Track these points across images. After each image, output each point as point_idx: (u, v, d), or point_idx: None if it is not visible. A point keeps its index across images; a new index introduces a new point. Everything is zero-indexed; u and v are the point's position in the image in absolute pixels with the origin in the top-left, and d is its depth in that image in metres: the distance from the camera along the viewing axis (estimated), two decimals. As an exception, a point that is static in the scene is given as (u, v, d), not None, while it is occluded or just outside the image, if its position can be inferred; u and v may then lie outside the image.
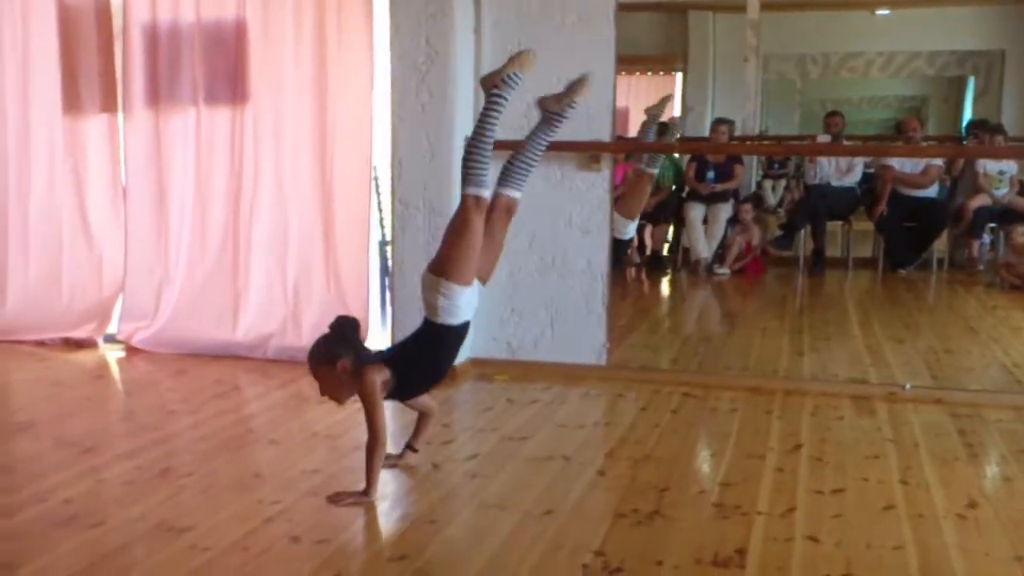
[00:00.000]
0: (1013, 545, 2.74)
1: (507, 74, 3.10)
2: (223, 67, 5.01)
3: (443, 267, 3.06)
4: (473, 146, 3.07)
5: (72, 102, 5.28)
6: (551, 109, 3.24)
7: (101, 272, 5.37)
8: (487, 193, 3.07)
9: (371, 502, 3.01)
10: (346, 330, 3.14)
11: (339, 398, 3.15)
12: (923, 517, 2.94)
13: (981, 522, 2.91)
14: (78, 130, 5.30)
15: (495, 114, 3.09)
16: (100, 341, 5.28)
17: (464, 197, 3.05)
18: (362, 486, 3.06)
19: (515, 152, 3.22)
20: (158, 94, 5.09)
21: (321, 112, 4.86)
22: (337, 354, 3.06)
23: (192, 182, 5.09)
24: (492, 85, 3.12)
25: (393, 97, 4.65)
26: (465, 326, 3.16)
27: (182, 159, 5.10)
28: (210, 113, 5.05)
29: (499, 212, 3.17)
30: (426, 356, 3.16)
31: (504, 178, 3.19)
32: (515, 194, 3.20)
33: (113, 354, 5.14)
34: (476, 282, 3.13)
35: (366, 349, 3.21)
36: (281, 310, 5.00)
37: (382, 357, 3.16)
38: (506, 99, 3.10)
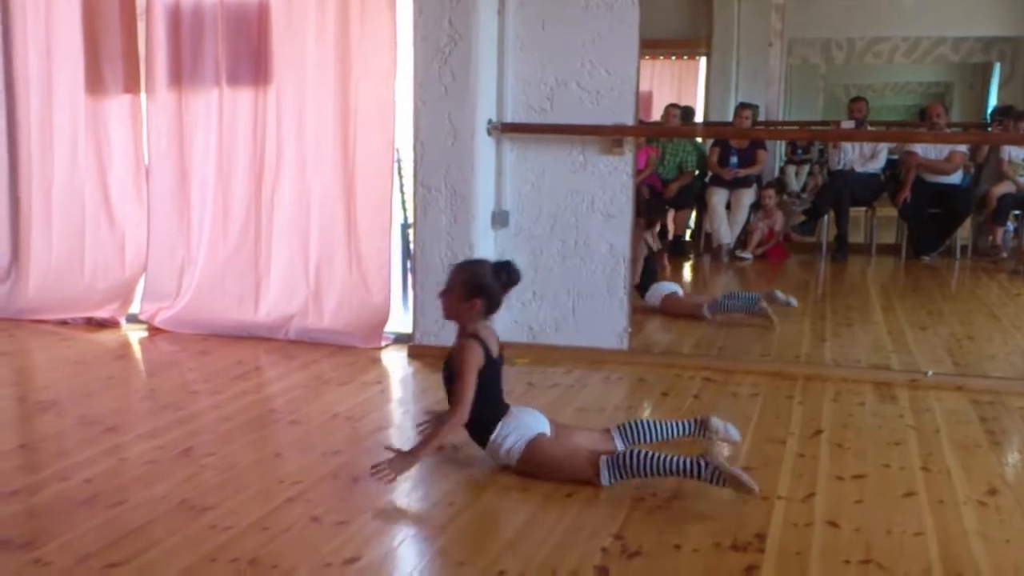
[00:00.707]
0: (1035, 533, 2.72)
1: (730, 472, 2.86)
2: (246, 48, 5.02)
3: (526, 469, 3.08)
4: (647, 468, 2.92)
5: (95, 82, 5.31)
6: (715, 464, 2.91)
7: (123, 252, 5.41)
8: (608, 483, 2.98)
9: (414, 462, 2.98)
10: (505, 281, 3.12)
11: (447, 314, 3.18)
12: (944, 503, 2.93)
13: (1002, 509, 2.89)
14: (101, 110, 5.33)
15: (682, 472, 2.90)
16: (122, 321, 5.31)
17: (597, 468, 2.96)
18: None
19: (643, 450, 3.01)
20: (181, 75, 5.10)
21: (344, 94, 4.86)
22: (481, 290, 3.06)
23: (214, 163, 5.11)
24: (714, 465, 2.87)
25: (416, 79, 4.64)
26: None
27: (204, 140, 5.11)
28: (233, 94, 5.06)
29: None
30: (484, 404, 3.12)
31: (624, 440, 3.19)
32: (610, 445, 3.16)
33: (135, 334, 5.18)
34: None
35: (494, 310, 3.15)
36: (303, 292, 5.02)
37: (486, 347, 3.12)
38: (700, 476, 2.88)
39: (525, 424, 3.13)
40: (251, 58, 5.02)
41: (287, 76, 4.96)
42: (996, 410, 3.91)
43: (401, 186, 6.39)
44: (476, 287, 3.07)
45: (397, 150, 5.38)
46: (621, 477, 2.96)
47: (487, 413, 3.11)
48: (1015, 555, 2.59)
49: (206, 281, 5.15)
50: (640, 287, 5.64)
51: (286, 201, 5.01)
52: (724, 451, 3.31)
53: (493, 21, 4.63)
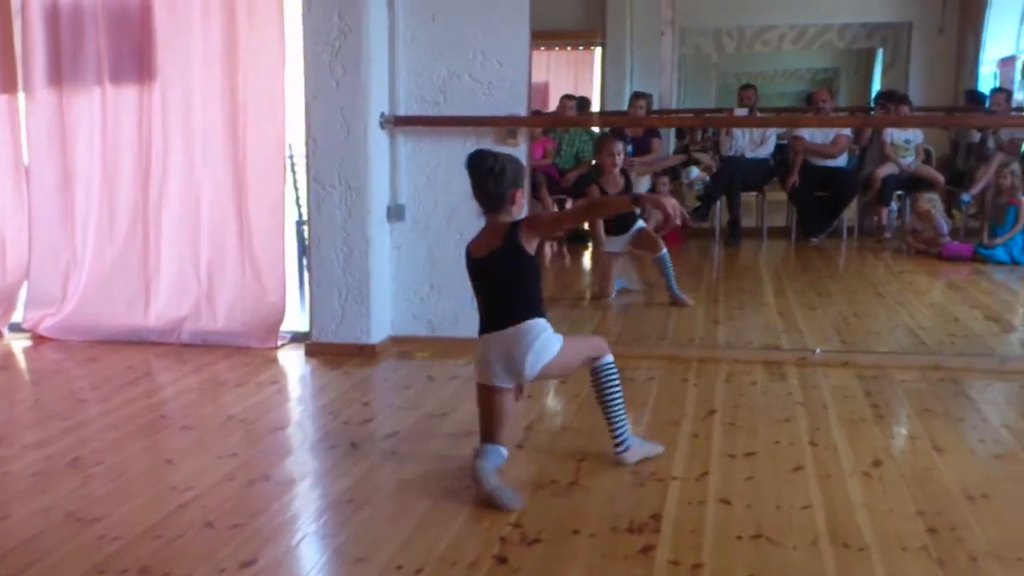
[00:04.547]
0: (915, 501, 2.83)
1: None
2: (128, 43, 4.88)
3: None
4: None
5: (-31, 83, 5.09)
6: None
7: (4, 258, 5.20)
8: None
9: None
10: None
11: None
12: (831, 477, 3.03)
13: (886, 480, 3.01)
14: (-24, 112, 5.11)
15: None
16: (4, 330, 5.12)
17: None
18: None
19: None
20: (61, 73, 4.93)
21: (232, 89, 4.76)
22: (516, 181, 3.01)
23: (98, 163, 4.96)
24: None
25: (306, 73, 4.58)
26: None
27: (87, 139, 4.96)
28: (116, 91, 4.92)
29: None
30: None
31: None
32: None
33: (19, 343, 4.98)
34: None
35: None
36: (194, 293, 4.91)
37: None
38: None
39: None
40: (134, 54, 4.88)
41: (172, 72, 4.84)
42: (880, 384, 4.05)
43: (295, 182, 6.30)
44: (516, 179, 3.03)
45: (289, 146, 5.31)
46: None
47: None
48: (898, 524, 2.69)
49: (93, 286, 4.99)
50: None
51: (175, 200, 4.89)
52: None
53: (383, 13, 4.60)
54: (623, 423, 3.12)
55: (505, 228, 3.04)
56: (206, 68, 4.79)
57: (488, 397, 3.10)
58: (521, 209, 3.09)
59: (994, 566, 2.44)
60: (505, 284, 3.08)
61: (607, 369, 3.10)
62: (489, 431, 3.12)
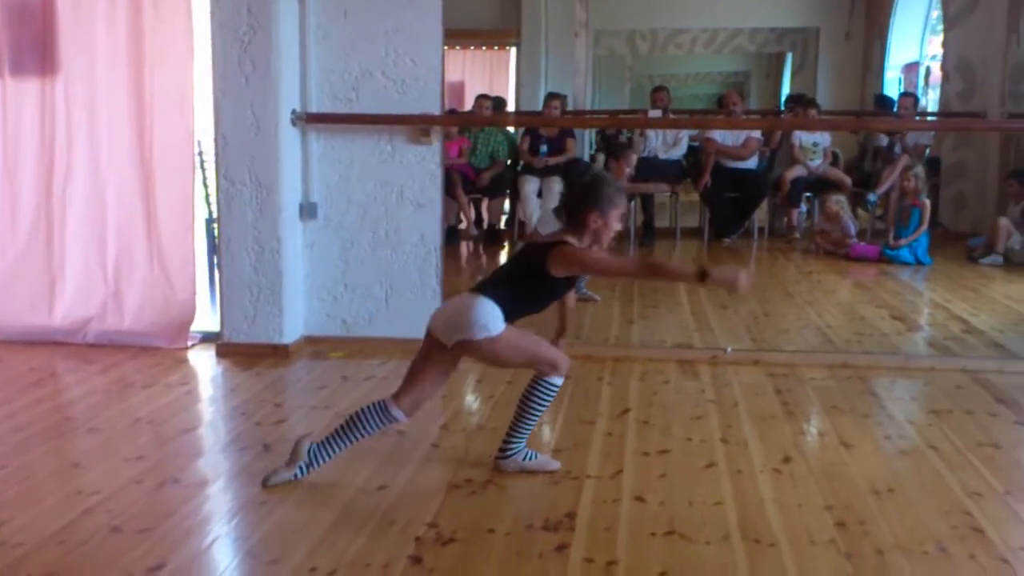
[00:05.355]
0: (824, 496, 2.90)
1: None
2: (29, 35, 4.72)
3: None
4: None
5: None
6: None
7: (-102, 257, 4.98)
8: None
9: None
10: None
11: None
12: (742, 473, 3.08)
13: (795, 475, 3.07)
14: None
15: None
16: (-101, 331, 4.90)
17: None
18: None
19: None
20: (-43, 66, 4.75)
21: (138, 83, 4.64)
22: (597, 203, 2.87)
23: (-2, 158, 4.78)
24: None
25: (215, 68, 4.48)
26: None
27: (-14, 134, 4.78)
28: (16, 85, 4.75)
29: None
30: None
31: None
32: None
33: (-86, 344, 4.78)
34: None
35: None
36: (101, 292, 4.77)
37: None
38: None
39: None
40: (36, 46, 4.72)
41: (76, 64, 4.69)
42: (790, 382, 4.15)
43: (204, 179, 6.17)
44: (598, 198, 2.92)
45: (198, 142, 5.19)
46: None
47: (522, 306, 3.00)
48: (807, 519, 2.75)
49: (-7, 284, 4.82)
50: None
51: (80, 196, 4.75)
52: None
53: (294, 9, 4.53)
54: (522, 439, 3.08)
55: (551, 240, 2.96)
56: (111, 61, 4.66)
57: (423, 346, 3.07)
58: (593, 237, 2.93)
59: (899, 558, 2.52)
60: (505, 266, 3.14)
61: (548, 388, 3.03)
62: (403, 384, 3.04)
